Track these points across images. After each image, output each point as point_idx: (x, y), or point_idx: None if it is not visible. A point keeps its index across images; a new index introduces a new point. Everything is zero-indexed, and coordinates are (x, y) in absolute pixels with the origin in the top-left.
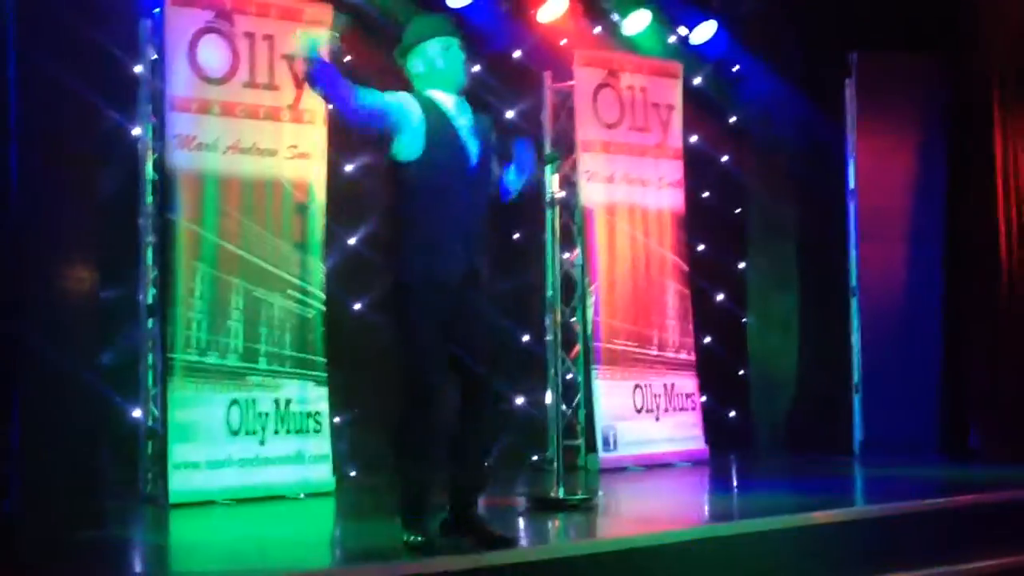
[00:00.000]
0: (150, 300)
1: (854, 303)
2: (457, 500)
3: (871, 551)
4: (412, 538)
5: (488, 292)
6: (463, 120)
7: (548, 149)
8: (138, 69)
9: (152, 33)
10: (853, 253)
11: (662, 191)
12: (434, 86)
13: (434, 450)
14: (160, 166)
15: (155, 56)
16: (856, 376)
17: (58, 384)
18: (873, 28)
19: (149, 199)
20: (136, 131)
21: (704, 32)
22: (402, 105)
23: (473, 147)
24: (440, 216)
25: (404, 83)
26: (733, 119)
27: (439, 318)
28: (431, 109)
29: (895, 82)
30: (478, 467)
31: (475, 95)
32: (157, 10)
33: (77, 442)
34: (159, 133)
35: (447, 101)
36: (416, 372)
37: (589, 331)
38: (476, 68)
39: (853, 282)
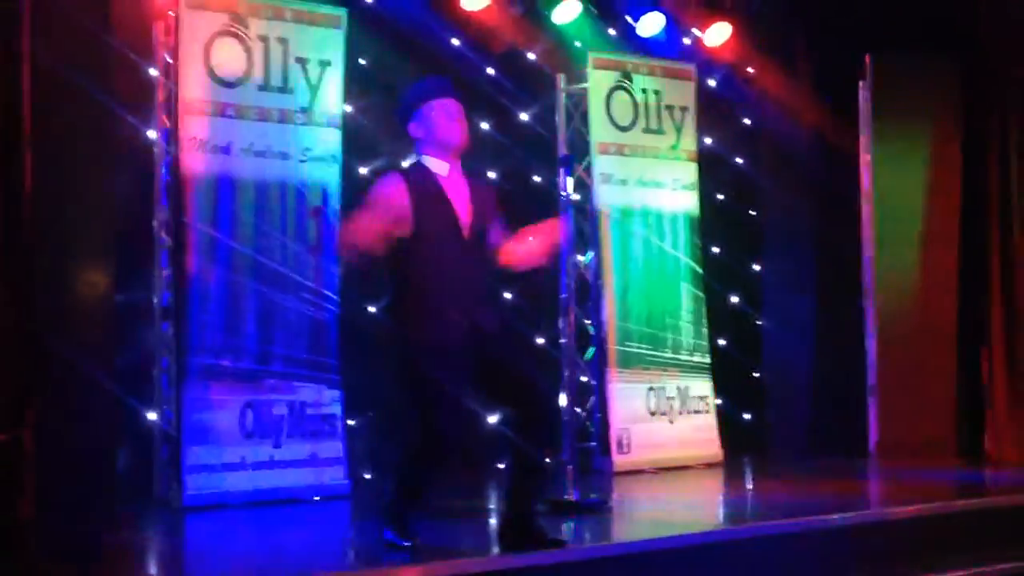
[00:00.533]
0: (165, 303)
1: (869, 306)
2: (517, 503)
3: (887, 554)
4: (399, 539)
5: (506, 339)
6: (458, 189)
7: (562, 152)
8: (152, 72)
9: (166, 36)
10: (868, 255)
11: (676, 193)
12: (432, 151)
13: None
14: (174, 169)
15: (169, 59)
16: (871, 378)
17: (73, 387)
18: (887, 30)
19: (163, 202)
20: (151, 134)
21: (718, 34)
22: (391, 203)
23: (466, 216)
24: (433, 286)
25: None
26: (748, 121)
27: (446, 377)
28: (422, 181)
29: (910, 84)
30: (537, 472)
31: (489, 100)
32: (171, 13)
33: (92, 445)
34: (173, 136)
35: (443, 168)
36: (428, 421)
37: (603, 334)
38: (490, 70)
39: (868, 284)
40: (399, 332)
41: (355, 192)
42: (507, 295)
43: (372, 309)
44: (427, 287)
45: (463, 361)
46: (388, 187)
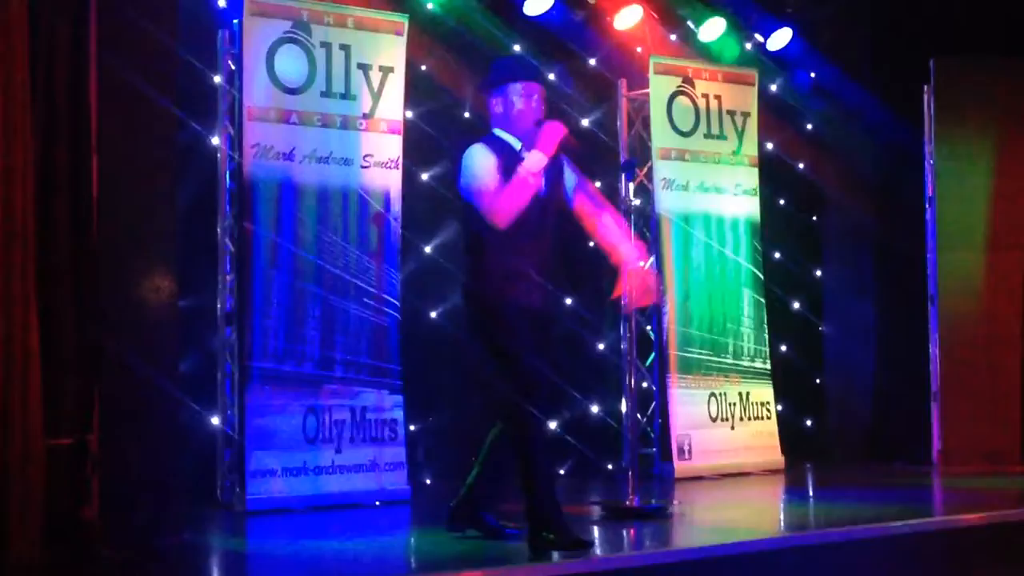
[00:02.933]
0: (228, 308)
1: (932, 311)
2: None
3: (950, 562)
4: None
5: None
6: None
7: (624, 157)
8: (217, 79)
9: (230, 43)
10: (931, 260)
11: (738, 198)
12: (507, 128)
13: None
14: (238, 175)
15: (233, 66)
16: (934, 385)
17: (138, 391)
18: (952, 33)
19: (227, 208)
20: (214, 141)
21: (780, 39)
22: (494, 169)
23: (542, 182)
24: (515, 246)
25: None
26: (810, 126)
27: (528, 338)
28: (502, 149)
29: (974, 87)
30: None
31: (550, 106)
32: (236, 21)
33: (156, 449)
34: (237, 143)
35: (516, 144)
36: (525, 388)
37: (666, 339)
38: (552, 76)
39: (931, 290)
40: (481, 292)
41: (416, 197)
42: (568, 301)
43: (433, 315)
44: (510, 247)
45: (540, 323)
46: (483, 154)
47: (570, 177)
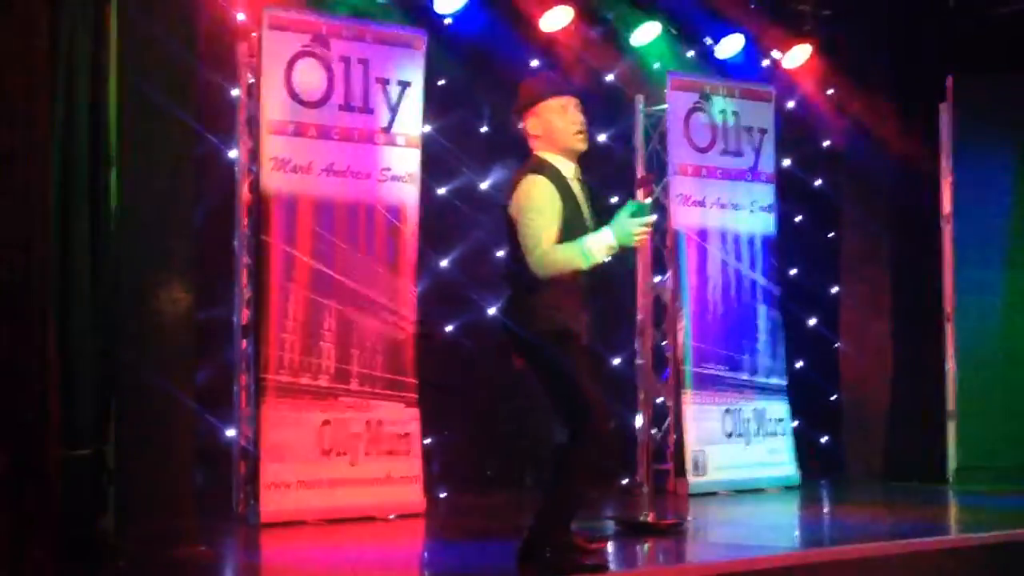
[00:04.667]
0: (244, 321)
1: (948, 329)
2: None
3: None
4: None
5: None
6: (579, 186)
7: (641, 173)
8: (235, 92)
9: (249, 57)
10: (948, 278)
11: (754, 215)
12: (552, 149)
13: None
14: (256, 188)
15: (252, 79)
16: (951, 403)
17: (154, 403)
18: (969, 51)
19: (245, 221)
20: (232, 154)
21: (797, 56)
22: (560, 209)
23: (587, 212)
24: (570, 276)
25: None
26: (826, 143)
27: (579, 364)
28: (557, 180)
29: (992, 105)
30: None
31: None
32: (255, 34)
33: (172, 461)
34: (255, 156)
35: (567, 170)
36: (589, 411)
37: (681, 355)
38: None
39: (948, 308)
40: (532, 320)
41: (433, 211)
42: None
43: (449, 328)
44: (566, 278)
45: (581, 352)
46: (548, 193)
47: None
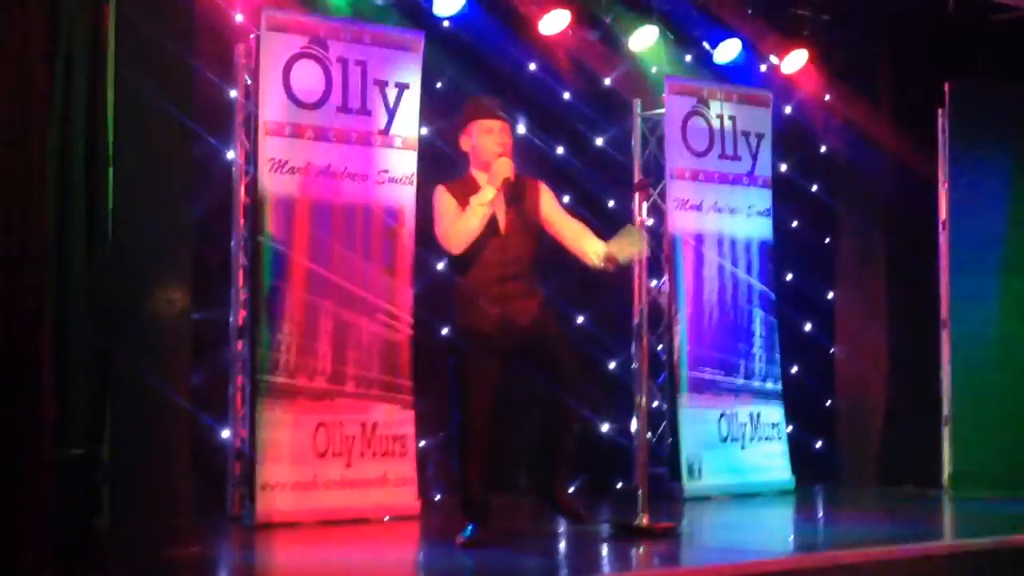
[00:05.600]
0: (240, 322)
1: (944, 335)
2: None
3: None
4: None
5: (546, 330)
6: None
7: (638, 177)
8: (233, 93)
9: (247, 58)
10: (944, 284)
11: (751, 219)
12: (477, 166)
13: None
14: (253, 189)
15: (249, 81)
16: (946, 409)
17: (149, 404)
18: (967, 57)
19: (241, 222)
20: (230, 155)
21: (795, 61)
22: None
23: (501, 215)
24: (479, 271)
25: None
26: (824, 148)
27: (480, 365)
28: (467, 191)
29: (990, 111)
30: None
31: (565, 124)
32: (253, 35)
33: (167, 461)
34: (252, 157)
35: (483, 179)
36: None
37: (676, 359)
38: (566, 95)
39: (944, 314)
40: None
41: (430, 214)
42: (579, 319)
43: (445, 331)
44: (468, 279)
45: (499, 348)
46: (441, 193)
47: (547, 204)
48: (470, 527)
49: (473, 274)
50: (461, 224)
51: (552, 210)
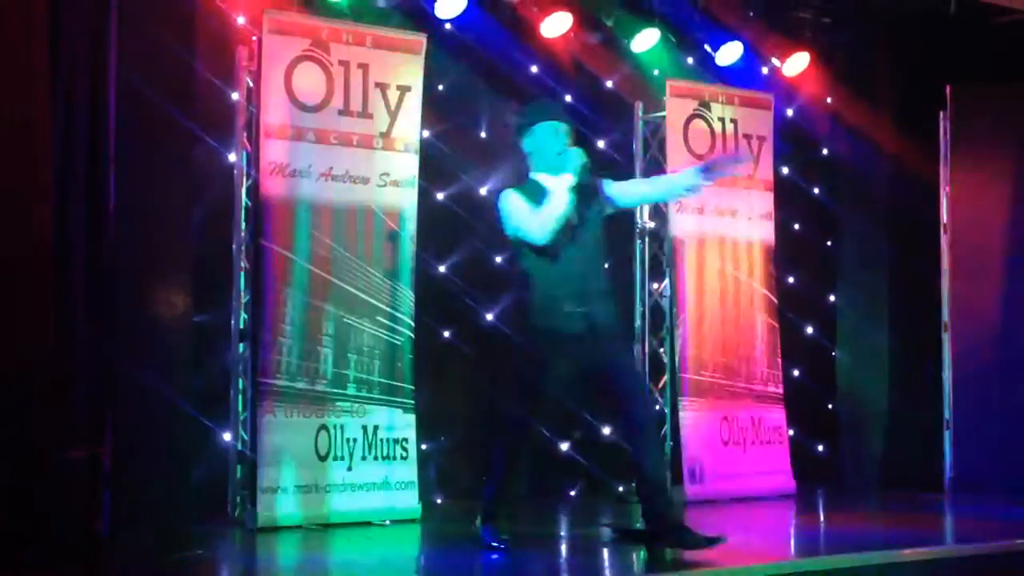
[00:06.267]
0: (242, 325)
1: (946, 339)
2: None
3: None
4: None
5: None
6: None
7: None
8: (234, 96)
9: (249, 61)
10: (946, 288)
11: (752, 222)
12: (540, 168)
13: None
14: (254, 192)
15: (251, 83)
16: (947, 413)
17: (150, 407)
18: (969, 60)
19: (243, 225)
20: (231, 157)
21: (797, 64)
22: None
23: (575, 216)
24: (551, 279)
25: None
26: (825, 151)
27: (550, 369)
28: (536, 194)
29: (991, 114)
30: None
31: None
32: (255, 38)
33: (168, 464)
34: (254, 159)
35: (549, 181)
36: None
37: (677, 362)
38: (568, 97)
39: (945, 317)
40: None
41: (431, 217)
42: None
43: (447, 334)
44: (546, 281)
45: (580, 351)
46: (512, 196)
47: (608, 185)
48: (491, 528)
49: (553, 274)
50: (543, 211)
51: (615, 185)
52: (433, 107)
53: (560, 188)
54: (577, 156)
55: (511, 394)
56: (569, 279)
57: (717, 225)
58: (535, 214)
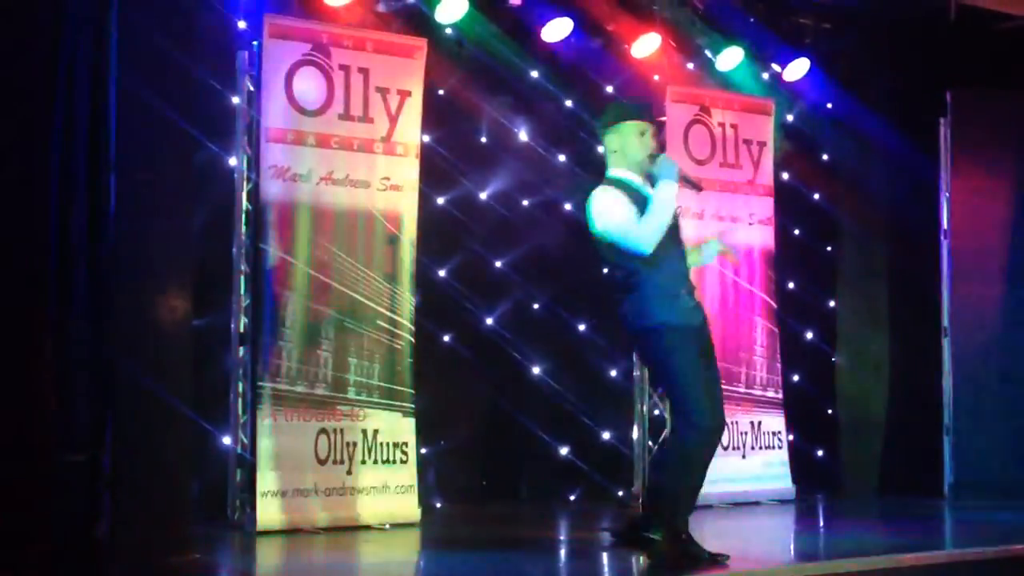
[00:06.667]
0: (242, 329)
1: (946, 344)
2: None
3: None
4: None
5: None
6: (649, 188)
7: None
8: (235, 100)
9: (250, 65)
10: (946, 293)
11: (752, 228)
12: (622, 165)
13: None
14: (254, 196)
15: (252, 87)
16: (947, 418)
17: (150, 410)
18: (969, 66)
19: (243, 229)
20: (232, 161)
21: (797, 69)
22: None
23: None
24: (664, 276)
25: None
26: (826, 156)
27: (692, 355)
28: (629, 192)
29: (991, 120)
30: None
31: (567, 132)
32: (255, 42)
33: (168, 467)
34: (254, 164)
35: (636, 179)
36: (692, 405)
37: None
38: (568, 102)
39: (945, 322)
40: (640, 312)
41: (431, 221)
42: (581, 327)
43: (447, 338)
44: (664, 268)
45: (701, 342)
46: (613, 193)
47: None
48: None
49: (665, 269)
50: (654, 221)
51: None
52: (432, 111)
53: (669, 196)
54: (673, 163)
55: (693, 397)
56: (679, 275)
57: (717, 230)
58: (646, 223)
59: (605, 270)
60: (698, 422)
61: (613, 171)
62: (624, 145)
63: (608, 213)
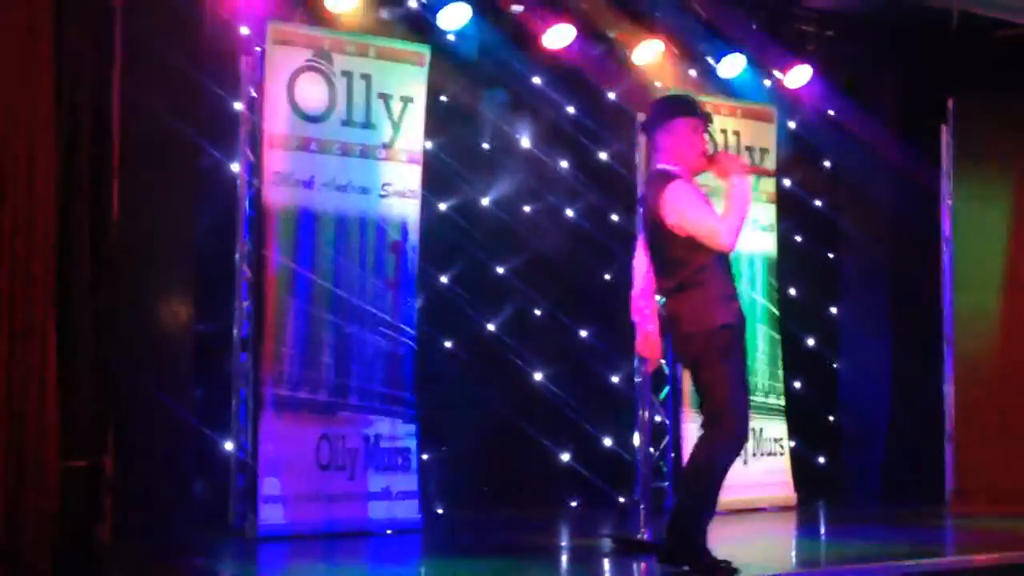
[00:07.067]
0: (244, 335)
1: (947, 351)
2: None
3: None
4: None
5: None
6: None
7: (640, 191)
8: (237, 106)
9: (252, 71)
10: (947, 300)
11: (754, 234)
12: (672, 161)
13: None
14: (257, 202)
15: (254, 93)
16: (948, 425)
17: (152, 415)
18: (970, 73)
19: (245, 235)
20: (234, 167)
21: (799, 76)
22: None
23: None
24: (723, 275)
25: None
26: (827, 163)
27: (741, 360)
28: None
29: (993, 127)
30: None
31: (569, 138)
32: (258, 48)
33: (169, 473)
34: (256, 169)
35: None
36: (732, 413)
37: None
38: (570, 109)
39: (947, 330)
40: (704, 313)
41: (434, 227)
42: (582, 333)
43: (449, 344)
44: (722, 270)
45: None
46: (690, 187)
47: None
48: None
49: (720, 271)
50: (738, 215)
51: None
52: (435, 117)
53: (747, 189)
54: (737, 156)
55: (735, 405)
56: (731, 275)
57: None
58: (731, 218)
59: (662, 268)
60: (734, 430)
61: (666, 167)
62: (677, 143)
63: (693, 208)
